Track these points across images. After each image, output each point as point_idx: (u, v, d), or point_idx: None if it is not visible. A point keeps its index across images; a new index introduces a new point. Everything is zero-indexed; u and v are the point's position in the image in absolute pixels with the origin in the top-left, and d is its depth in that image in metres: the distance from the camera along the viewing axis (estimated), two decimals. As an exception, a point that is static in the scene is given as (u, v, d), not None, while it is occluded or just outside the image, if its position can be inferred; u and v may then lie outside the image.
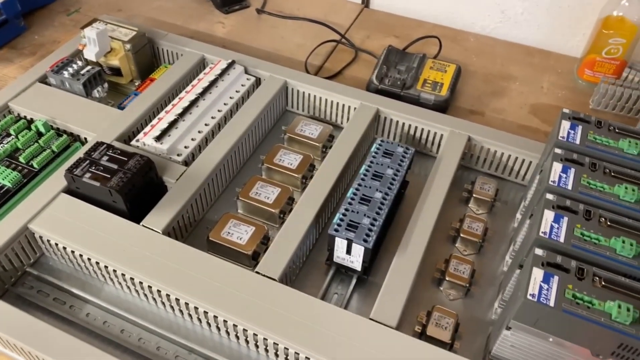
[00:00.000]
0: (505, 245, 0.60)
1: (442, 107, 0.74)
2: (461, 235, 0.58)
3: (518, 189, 0.66)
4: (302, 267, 0.57)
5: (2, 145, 0.62)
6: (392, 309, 0.48)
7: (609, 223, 0.45)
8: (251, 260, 0.56)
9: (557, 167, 0.49)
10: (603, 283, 0.41)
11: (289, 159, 0.64)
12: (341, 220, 0.53)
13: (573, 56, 0.86)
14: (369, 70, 0.82)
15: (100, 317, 0.53)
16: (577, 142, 0.51)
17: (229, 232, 0.57)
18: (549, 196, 0.47)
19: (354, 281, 0.56)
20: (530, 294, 0.40)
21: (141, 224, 0.54)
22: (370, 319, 0.48)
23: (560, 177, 0.48)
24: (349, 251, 0.53)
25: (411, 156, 0.59)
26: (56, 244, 0.53)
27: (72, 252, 0.53)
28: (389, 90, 0.75)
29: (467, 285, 0.54)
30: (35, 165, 0.61)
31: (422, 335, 0.51)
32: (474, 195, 0.62)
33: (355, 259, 0.53)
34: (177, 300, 0.50)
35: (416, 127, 0.67)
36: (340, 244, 0.53)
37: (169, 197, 0.57)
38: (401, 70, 0.78)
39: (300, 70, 0.80)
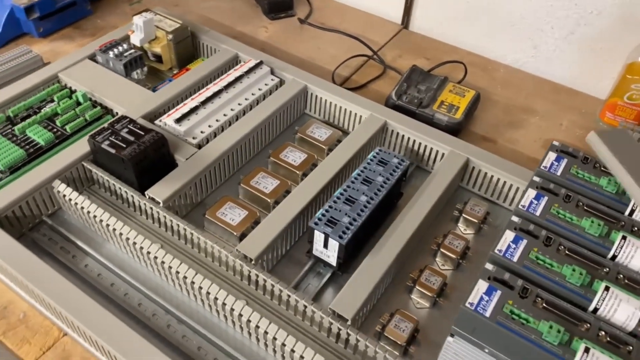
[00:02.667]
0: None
1: (455, 129, 0.76)
2: (441, 249, 0.61)
3: (508, 214, 0.67)
4: (282, 259, 0.61)
5: (44, 108, 0.70)
6: (352, 302, 0.51)
7: (567, 252, 0.46)
8: (239, 241, 0.60)
9: (531, 193, 0.51)
10: (544, 305, 0.42)
11: (294, 156, 0.68)
12: (323, 215, 0.56)
13: (600, 98, 0.86)
14: (393, 86, 0.85)
15: (96, 270, 0.59)
16: (558, 173, 0.53)
17: (224, 213, 0.61)
18: (514, 218, 0.49)
19: (327, 275, 0.59)
20: (468, 302, 0.42)
21: (146, 192, 0.60)
22: (330, 308, 0.51)
23: (531, 202, 0.50)
24: (325, 245, 0.56)
25: (405, 168, 0.62)
26: (69, 200, 0.60)
27: (82, 208, 0.59)
28: (405, 107, 0.78)
29: (435, 296, 0.56)
30: (68, 130, 0.68)
31: (381, 335, 0.53)
32: (463, 215, 0.64)
33: (331, 254, 0.57)
34: (163, 263, 0.55)
35: (420, 144, 0.70)
36: (318, 237, 0.56)
37: (176, 173, 0.62)
38: (421, 89, 0.81)
39: (328, 79, 0.85)
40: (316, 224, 0.56)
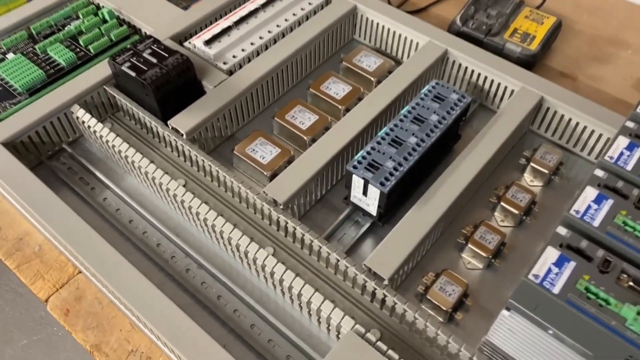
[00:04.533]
0: (553, 225, 0.52)
1: (528, 62, 0.65)
2: (501, 203, 0.52)
3: (588, 167, 0.57)
4: (317, 203, 0.54)
5: (68, 26, 0.64)
6: (390, 260, 0.44)
7: (665, 218, 0.37)
8: (269, 181, 0.54)
9: (622, 142, 0.41)
10: (630, 283, 0.34)
11: (337, 88, 0.60)
12: (363, 158, 0.48)
13: None
14: (458, 10, 0.74)
15: (115, 204, 0.54)
16: (660, 119, 0.42)
17: (254, 149, 0.55)
18: (598, 172, 0.39)
19: (366, 225, 0.52)
20: (533, 274, 0.34)
21: (168, 122, 0.54)
22: (365, 265, 0.45)
23: (621, 154, 0.40)
24: (365, 192, 0.49)
25: (465, 105, 0.53)
26: (88, 127, 0.55)
27: (101, 137, 0.54)
28: (471, 35, 0.67)
29: (490, 257, 0.48)
30: (91, 50, 0.62)
31: (423, 297, 0.47)
32: (531, 163, 0.55)
33: (371, 203, 0.49)
34: (183, 202, 0.49)
35: (486, 78, 0.60)
36: (357, 183, 0.49)
37: (202, 102, 0.56)
38: (491, 14, 0.69)
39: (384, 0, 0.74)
40: (355, 167, 0.48)
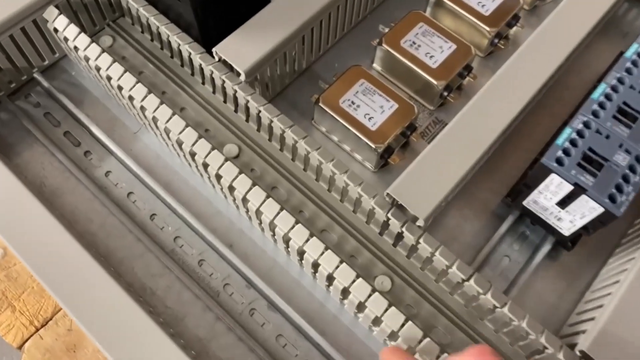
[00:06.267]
0: None
1: None
2: None
3: None
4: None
5: None
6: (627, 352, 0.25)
7: None
8: (379, 157, 0.33)
9: None
10: None
11: (482, -3, 0.37)
12: (572, 143, 0.27)
13: None
14: None
15: (125, 185, 0.33)
16: None
17: (353, 102, 0.33)
18: None
19: (544, 248, 0.32)
20: None
21: (214, 50, 0.31)
22: (580, 351, 0.25)
23: None
24: (565, 203, 0.28)
25: None
26: (75, 48, 0.32)
27: (98, 68, 0.31)
28: None
29: None
30: None
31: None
32: None
33: (569, 219, 0.29)
34: (245, 201, 0.28)
35: None
36: (556, 187, 0.28)
37: (269, 15, 0.33)
38: None
39: None
40: (559, 162, 0.27)
